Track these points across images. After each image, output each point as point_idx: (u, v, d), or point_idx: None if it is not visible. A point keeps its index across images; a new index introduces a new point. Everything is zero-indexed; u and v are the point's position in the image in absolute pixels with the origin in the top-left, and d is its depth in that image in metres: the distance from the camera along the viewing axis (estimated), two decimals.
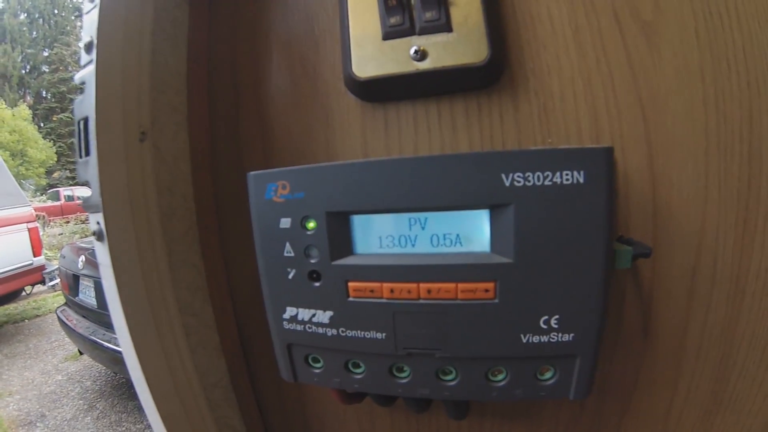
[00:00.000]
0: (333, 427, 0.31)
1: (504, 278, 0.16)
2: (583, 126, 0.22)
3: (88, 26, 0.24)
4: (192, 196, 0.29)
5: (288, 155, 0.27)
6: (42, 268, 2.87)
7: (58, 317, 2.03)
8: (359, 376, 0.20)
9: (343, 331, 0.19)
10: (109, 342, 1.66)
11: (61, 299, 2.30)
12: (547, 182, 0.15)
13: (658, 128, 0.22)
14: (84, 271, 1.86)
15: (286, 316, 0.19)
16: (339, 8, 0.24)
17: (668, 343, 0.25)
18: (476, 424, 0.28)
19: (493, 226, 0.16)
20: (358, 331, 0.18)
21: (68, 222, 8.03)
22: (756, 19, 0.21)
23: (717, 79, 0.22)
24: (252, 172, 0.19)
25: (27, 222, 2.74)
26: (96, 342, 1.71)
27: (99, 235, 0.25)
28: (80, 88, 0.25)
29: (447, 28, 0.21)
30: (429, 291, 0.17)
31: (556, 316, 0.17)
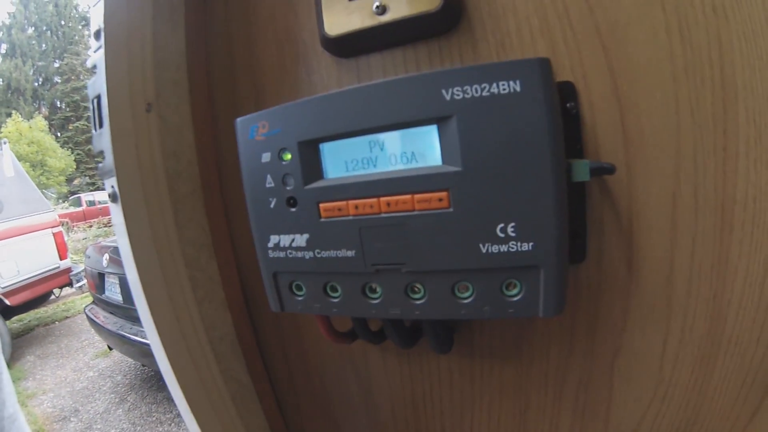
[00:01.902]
0: (332, 372, 0.34)
1: (456, 187, 0.19)
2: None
3: (96, 16, 0.30)
4: (196, 160, 0.34)
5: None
6: (68, 270, 3.16)
7: (87, 315, 2.23)
8: (336, 300, 0.23)
9: (318, 253, 0.22)
10: (137, 335, 1.81)
11: (89, 300, 2.50)
12: (485, 93, 0.18)
13: (619, 57, 0.24)
14: (108, 269, 2.05)
15: (270, 244, 0.23)
16: None
17: (655, 278, 0.26)
18: (466, 365, 0.30)
19: (442, 139, 0.19)
20: (332, 251, 0.22)
21: (91, 226, 8.57)
22: None
23: (679, 7, 0.24)
24: (239, 118, 0.23)
25: (51, 227, 3.01)
26: (124, 336, 1.85)
27: (113, 197, 0.30)
28: (93, 72, 0.31)
29: None
30: (389, 204, 0.20)
31: (512, 224, 0.20)
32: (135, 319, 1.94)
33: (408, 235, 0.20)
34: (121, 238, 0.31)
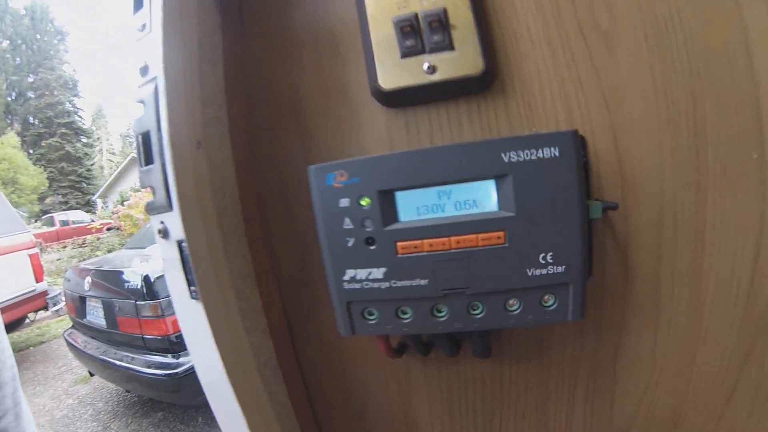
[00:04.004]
0: (374, 387, 0.40)
1: (510, 227, 0.27)
2: (560, 118, 0.33)
3: (142, 52, 0.34)
4: (238, 196, 0.38)
5: (324, 154, 0.37)
6: (45, 293, 3.16)
7: (66, 340, 2.27)
8: (407, 320, 0.30)
9: (394, 283, 0.28)
10: (121, 360, 1.85)
11: (65, 324, 2.59)
12: (533, 157, 0.26)
13: (618, 115, 0.34)
14: (90, 293, 2.06)
15: (346, 277, 0.29)
16: (360, 33, 0.35)
17: (645, 287, 0.36)
18: (496, 368, 0.38)
19: (499, 191, 0.27)
20: (406, 281, 0.28)
21: (65, 247, 8.70)
22: (695, 20, 0.32)
23: (664, 72, 0.33)
24: (313, 166, 0.29)
25: (27, 248, 3.02)
26: (107, 361, 1.89)
27: (164, 233, 0.34)
28: (139, 106, 0.34)
29: (450, 47, 0.32)
30: (458, 242, 0.27)
31: (551, 253, 0.27)
32: (119, 344, 1.95)
33: (471, 265, 0.27)
34: (174, 272, 0.34)
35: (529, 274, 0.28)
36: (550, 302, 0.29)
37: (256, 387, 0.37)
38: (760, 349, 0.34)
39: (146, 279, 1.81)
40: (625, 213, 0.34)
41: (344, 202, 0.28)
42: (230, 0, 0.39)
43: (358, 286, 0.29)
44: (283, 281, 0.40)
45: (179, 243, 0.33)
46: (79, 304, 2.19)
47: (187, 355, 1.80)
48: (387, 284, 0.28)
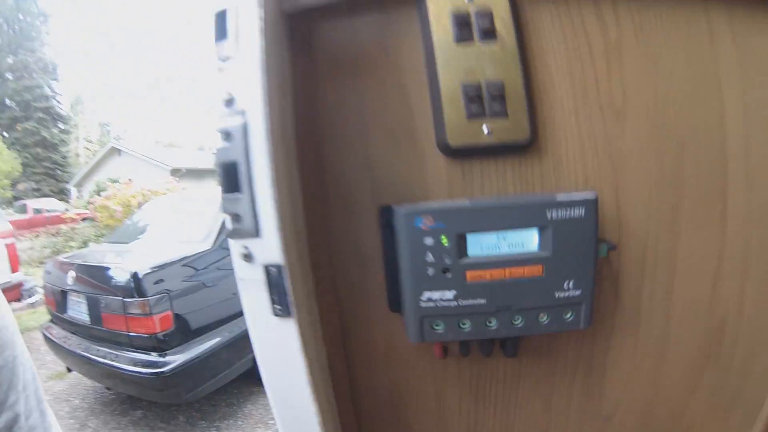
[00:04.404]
0: (414, 387, 0.52)
1: (547, 264, 0.40)
2: (579, 176, 0.46)
3: (226, 83, 0.42)
4: (304, 231, 0.48)
5: (391, 193, 0.48)
6: (20, 285, 3.20)
7: (44, 335, 2.35)
8: (465, 330, 0.42)
9: (460, 302, 0.41)
10: (105, 357, 1.94)
11: (39, 317, 2.69)
12: (567, 215, 0.39)
13: (621, 174, 0.48)
14: (74, 287, 2.14)
15: (423, 298, 0.41)
16: (430, 91, 0.46)
17: (630, 303, 0.51)
18: (516, 365, 0.52)
19: (541, 237, 0.40)
20: (470, 300, 0.41)
21: (38, 236, 9.03)
22: (685, 102, 0.46)
23: (658, 142, 0.48)
24: (402, 209, 0.40)
25: (3, 238, 3.03)
26: (89, 358, 1.98)
27: (248, 257, 0.43)
28: (224, 137, 0.43)
29: (505, 115, 0.44)
30: (510, 273, 0.40)
31: (572, 281, 0.41)
32: (103, 340, 2.01)
33: (517, 289, 0.40)
34: (256, 292, 0.43)
35: (557, 296, 0.41)
36: (569, 315, 0.43)
37: (326, 394, 0.48)
38: (715, 355, 0.51)
39: (135, 276, 1.82)
40: (620, 249, 0.49)
41: (428, 241, 0.39)
42: (303, 42, 0.48)
43: (432, 304, 0.41)
44: (342, 298, 0.51)
45: (266, 266, 0.42)
46: (60, 299, 2.25)
47: (175, 353, 1.84)
48: (455, 303, 0.40)
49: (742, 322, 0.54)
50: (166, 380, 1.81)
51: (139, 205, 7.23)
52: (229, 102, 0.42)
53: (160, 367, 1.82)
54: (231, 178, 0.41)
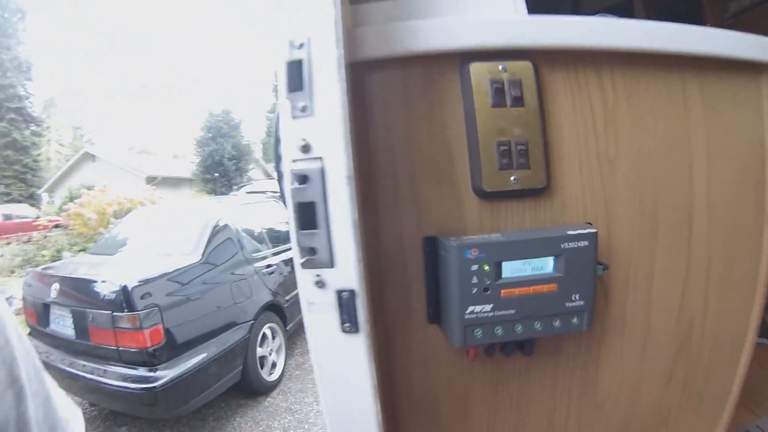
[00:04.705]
0: (446, 386, 0.66)
1: (559, 282, 0.56)
2: (579, 213, 0.64)
3: (302, 131, 0.54)
4: (365, 252, 0.61)
5: (434, 226, 0.61)
6: None
7: None
8: (498, 334, 0.56)
9: (495, 313, 0.55)
10: (91, 373, 1.99)
11: None
12: (575, 245, 0.55)
13: (611, 211, 0.65)
14: (58, 300, 2.17)
15: (468, 311, 0.55)
16: (468, 146, 0.60)
17: (617, 310, 0.68)
18: (527, 364, 0.67)
19: (555, 262, 0.56)
20: (503, 311, 0.55)
21: (9, 243, 9.20)
22: (661, 154, 0.64)
23: (640, 186, 0.66)
24: (454, 242, 0.55)
25: None
26: (74, 374, 2.03)
27: (321, 284, 0.56)
28: (301, 180, 0.55)
29: (528, 167, 0.60)
30: (533, 290, 0.55)
31: (577, 295, 0.57)
32: (88, 354, 2.05)
33: (537, 301, 0.56)
34: (326, 314, 0.56)
35: (566, 306, 0.57)
36: (575, 320, 0.58)
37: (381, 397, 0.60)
38: (685, 353, 0.69)
39: (124, 289, 1.84)
40: (610, 269, 0.65)
41: (474, 267, 0.54)
42: (358, 89, 0.61)
43: (474, 316, 0.55)
44: (386, 313, 0.63)
45: (339, 291, 0.54)
46: (41, 312, 2.27)
47: (165, 368, 1.88)
48: (492, 314, 0.55)
49: (706, 323, 0.73)
50: (157, 395, 1.85)
51: (115, 214, 7.25)
52: (306, 148, 0.53)
53: (150, 383, 1.85)
54: (308, 216, 0.53)
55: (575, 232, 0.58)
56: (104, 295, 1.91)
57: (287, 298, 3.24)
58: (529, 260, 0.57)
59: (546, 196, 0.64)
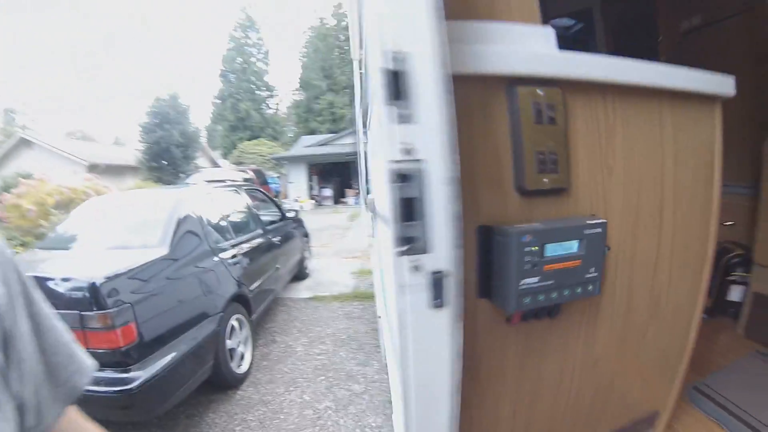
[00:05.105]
0: (486, 348, 0.87)
1: (582, 259, 0.78)
2: (587, 207, 0.87)
3: (405, 136, 0.69)
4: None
5: (487, 216, 0.80)
6: None
7: None
8: (541, 300, 0.78)
9: (540, 284, 0.76)
10: None
11: None
12: (592, 231, 0.78)
13: (610, 208, 0.89)
14: None
15: (521, 283, 0.75)
16: (513, 153, 0.79)
17: (610, 285, 0.95)
18: (550, 324, 0.90)
19: (579, 244, 0.78)
20: (545, 282, 0.76)
21: None
22: (641, 160, 0.88)
23: (628, 186, 0.90)
24: (512, 230, 0.73)
25: None
26: None
27: (418, 268, 0.72)
28: (402, 179, 0.71)
29: (556, 172, 0.81)
30: (565, 265, 0.77)
31: (593, 268, 0.80)
32: None
33: (567, 273, 0.78)
34: (419, 293, 0.72)
35: (585, 276, 0.79)
36: (590, 287, 0.82)
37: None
38: (654, 321, 0.98)
39: (93, 287, 1.74)
40: (610, 252, 0.89)
41: (527, 249, 0.73)
42: None
43: (525, 287, 0.76)
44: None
45: (432, 273, 0.70)
46: None
47: (139, 368, 1.83)
48: (538, 284, 0.76)
49: (669, 297, 1.02)
50: (134, 397, 1.81)
51: (57, 205, 6.72)
52: (408, 151, 0.67)
53: (126, 384, 1.80)
54: (408, 210, 0.68)
55: (592, 222, 0.80)
56: (69, 294, 1.79)
57: (251, 288, 3.25)
58: (561, 243, 0.78)
59: (566, 194, 0.85)
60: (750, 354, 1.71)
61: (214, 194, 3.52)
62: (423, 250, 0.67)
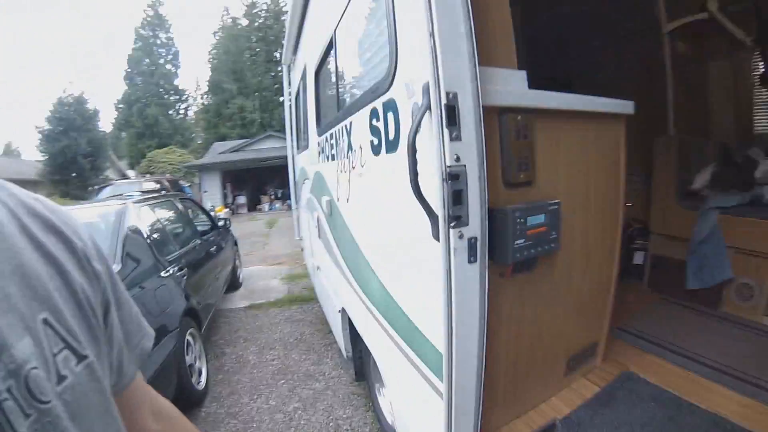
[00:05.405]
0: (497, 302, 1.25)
1: (547, 227, 1.22)
2: (549, 194, 1.31)
3: (455, 149, 1.04)
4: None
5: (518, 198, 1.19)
6: None
7: None
8: (525, 254, 1.18)
9: (525, 243, 1.17)
10: None
11: None
12: (552, 209, 1.22)
13: (559, 194, 1.35)
14: None
15: (515, 243, 1.15)
16: (501, 159, 1.19)
17: (565, 249, 1.39)
18: (527, 277, 1.32)
19: (545, 217, 1.21)
20: (528, 242, 1.18)
21: None
22: (578, 165, 1.36)
23: (572, 181, 1.37)
24: (509, 209, 1.13)
25: None
26: None
27: (461, 236, 1.07)
28: (454, 177, 1.05)
29: (529, 170, 1.23)
30: (538, 231, 1.19)
31: (554, 232, 1.24)
32: None
33: (540, 236, 1.21)
34: (462, 255, 1.07)
35: (550, 237, 1.23)
36: (553, 245, 1.26)
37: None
38: (587, 278, 1.49)
39: None
40: (560, 225, 1.35)
41: (518, 221, 1.14)
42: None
43: (517, 245, 1.16)
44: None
45: (470, 238, 1.05)
46: None
47: None
48: (524, 243, 1.17)
49: (594, 261, 1.52)
50: None
51: None
52: (458, 158, 1.01)
53: None
54: (457, 197, 1.01)
55: (552, 203, 1.22)
56: None
57: (198, 300, 3.19)
58: (536, 216, 1.18)
59: (534, 185, 1.27)
60: (654, 302, 2.44)
61: (153, 205, 3.41)
62: (465, 224, 1.02)
